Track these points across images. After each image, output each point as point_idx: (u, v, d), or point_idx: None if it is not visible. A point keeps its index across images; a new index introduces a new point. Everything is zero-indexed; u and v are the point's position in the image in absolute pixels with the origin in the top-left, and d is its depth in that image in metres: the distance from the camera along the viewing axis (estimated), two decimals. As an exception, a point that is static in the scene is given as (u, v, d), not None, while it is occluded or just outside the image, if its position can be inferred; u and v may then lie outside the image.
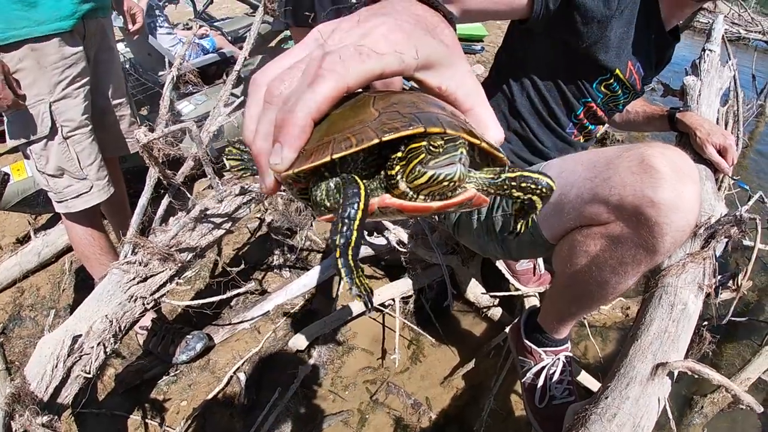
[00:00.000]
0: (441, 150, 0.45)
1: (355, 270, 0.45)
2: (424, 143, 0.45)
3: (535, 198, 0.54)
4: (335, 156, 0.44)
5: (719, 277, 1.71)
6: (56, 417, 1.39)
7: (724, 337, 2.66)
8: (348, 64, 0.45)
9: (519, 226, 0.58)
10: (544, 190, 0.53)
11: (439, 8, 0.56)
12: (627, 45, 1.58)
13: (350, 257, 0.44)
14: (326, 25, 0.51)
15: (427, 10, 0.55)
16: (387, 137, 0.44)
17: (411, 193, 0.48)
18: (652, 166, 1.17)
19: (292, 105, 0.46)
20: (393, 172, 0.48)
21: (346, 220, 0.43)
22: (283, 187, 0.53)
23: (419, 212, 0.50)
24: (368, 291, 0.46)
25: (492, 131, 0.54)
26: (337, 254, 0.44)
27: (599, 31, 1.49)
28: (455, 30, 0.56)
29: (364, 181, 0.47)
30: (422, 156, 0.45)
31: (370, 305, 0.47)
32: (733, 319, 2.48)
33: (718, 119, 2.28)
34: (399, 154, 0.47)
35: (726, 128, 2.25)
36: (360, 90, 0.49)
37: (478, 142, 0.48)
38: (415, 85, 0.54)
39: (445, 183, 0.47)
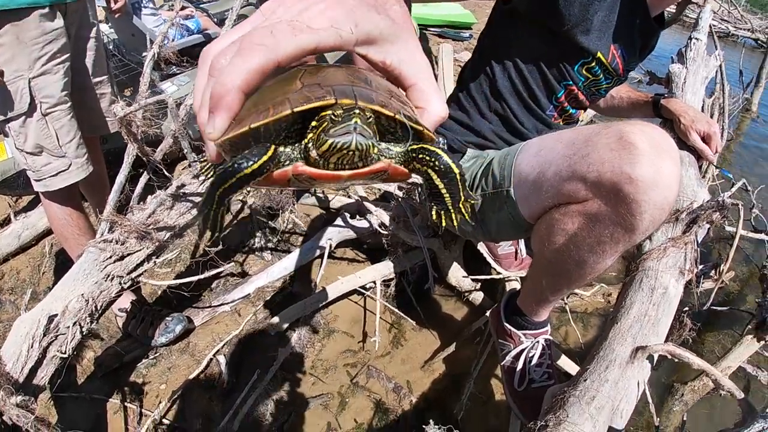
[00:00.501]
0: (339, 119, 0.46)
1: (217, 205, 0.49)
2: (329, 113, 0.46)
3: (431, 173, 0.53)
4: (253, 125, 0.46)
5: (701, 266, 1.72)
6: (32, 398, 1.36)
7: (705, 326, 2.69)
8: (279, 38, 0.46)
9: (436, 216, 0.57)
10: (441, 167, 0.52)
11: None
12: (609, 29, 1.57)
13: (218, 193, 0.48)
14: (273, 1, 0.51)
15: None
16: (298, 108, 0.46)
17: (321, 161, 0.49)
18: (631, 142, 1.16)
19: (223, 77, 0.46)
20: (306, 140, 0.49)
21: (235, 166, 0.47)
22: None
23: (329, 180, 0.51)
24: (219, 225, 0.51)
25: (433, 106, 0.53)
26: (210, 184, 0.48)
27: (581, 13, 1.49)
28: (409, 7, 0.57)
29: (287, 148, 0.50)
30: (325, 124, 0.47)
31: (213, 236, 0.51)
32: (714, 308, 2.52)
33: (703, 110, 2.28)
34: (314, 123, 0.48)
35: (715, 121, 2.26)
36: (297, 64, 0.50)
37: (388, 113, 0.48)
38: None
39: (344, 151, 0.47)
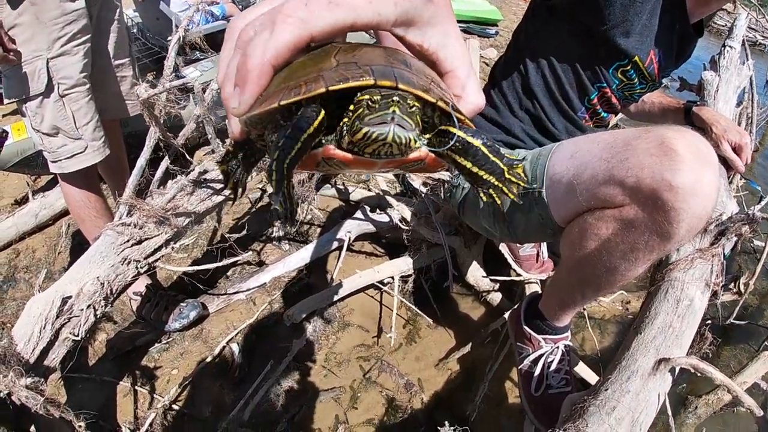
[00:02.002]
0: (377, 106, 0.43)
1: (287, 181, 0.45)
2: (367, 97, 0.43)
3: (454, 156, 0.49)
4: (282, 103, 0.43)
5: (722, 280, 1.69)
6: (42, 380, 1.36)
7: (722, 339, 2.65)
8: (314, 11, 0.44)
9: (487, 198, 0.53)
10: (459, 145, 0.48)
11: None
12: (650, 33, 1.55)
13: (285, 166, 0.44)
14: None
15: None
16: (333, 87, 0.43)
17: (355, 148, 0.46)
18: (673, 148, 1.12)
19: (251, 50, 0.45)
20: (342, 124, 0.46)
21: (295, 130, 0.43)
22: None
23: (363, 167, 0.49)
24: (293, 206, 0.47)
25: (470, 94, 0.52)
26: (275, 157, 0.44)
27: (621, 14, 1.46)
28: None
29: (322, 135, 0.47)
30: (361, 110, 0.44)
31: (290, 223, 0.47)
32: (732, 321, 2.48)
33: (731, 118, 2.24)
34: (351, 107, 0.45)
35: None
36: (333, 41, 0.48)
37: (430, 98, 0.45)
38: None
39: (380, 143, 0.44)
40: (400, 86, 0.43)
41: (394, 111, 0.43)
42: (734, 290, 1.91)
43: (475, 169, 0.50)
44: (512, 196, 0.52)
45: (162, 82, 1.53)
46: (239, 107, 0.47)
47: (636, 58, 1.55)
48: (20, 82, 1.80)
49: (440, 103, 0.46)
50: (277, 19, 0.44)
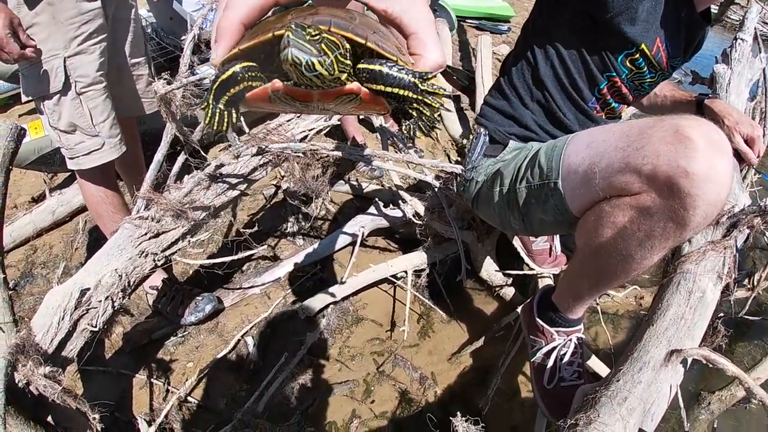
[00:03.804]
0: (287, 39, 0.49)
1: (213, 105, 0.56)
2: (281, 33, 0.51)
3: (382, 88, 0.55)
4: (241, 47, 0.54)
5: (735, 274, 1.69)
6: (60, 370, 1.38)
7: (735, 335, 2.64)
8: None
9: (419, 128, 0.58)
10: (380, 76, 0.54)
11: None
12: (655, 20, 1.56)
13: (211, 96, 0.56)
14: None
15: None
16: (277, 32, 0.51)
17: (298, 81, 0.53)
18: (688, 136, 1.14)
19: (228, 12, 0.54)
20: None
21: (217, 73, 0.55)
22: None
23: (301, 98, 0.55)
24: (221, 122, 0.57)
25: (430, 54, 0.56)
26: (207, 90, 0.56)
27: (625, 2, 1.48)
28: None
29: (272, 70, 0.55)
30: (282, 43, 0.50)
31: (217, 130, 0.58)
32: (746, 317, 2.47)
33: (744, 113, 2.24)
34: None
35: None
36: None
37: (358, 39, 0.53)
38: None
39: (290, 66, 0.50)
40: (296, 24, 0.49)
41: (288, 35, 0.49)
42: (748, 286, 1.91)
43: (389, 89, 0.54)
44: (436, 105, 0.56)
45: (178, 78, 1.55)
46: (215, 57, 0.55)
47: (642, 45, 1.57)
48: (38, 81, 1.83)
49: (368, 44, 0.53)
50: None
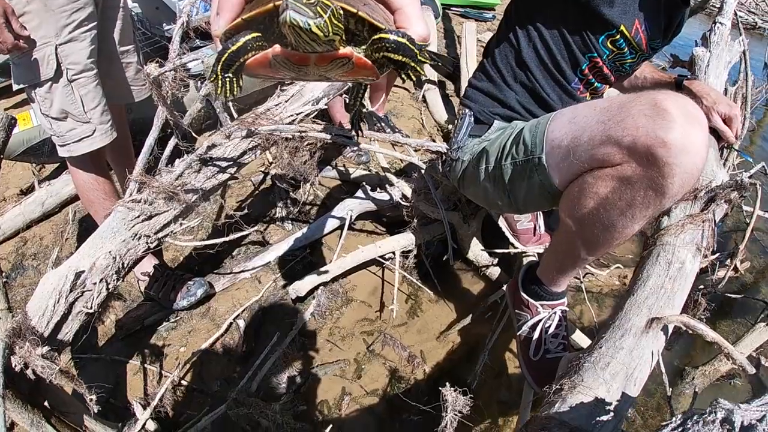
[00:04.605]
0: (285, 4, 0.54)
1: (222, 74, 0.62)
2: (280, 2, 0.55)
3: (389, 54, 0.61)
4: (244, 17, 0.58)
5: (718, 254, 1.74)
6: (56, 353, 1.41)
7: (720, 314, 2.70)
8: None
9: (405, 77, 0.65)
10: (392, 45, 0.60)
11: None
12: (634, 2, 1.61)
13: (219, 66, 0.61)
14: None
15: None
16: (277, 2, 0.55)
17: (295, 46, 0.59)
18: (665, 109, 1.20)
19: None
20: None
21: (228, 45, 0.60)
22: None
23: (300, 62, 0.60)
24: (230, 89, 0.63)
25: (415, 27, 0.62)
26: (214, 61, 0.61)
27: None
28: None
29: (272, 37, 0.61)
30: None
31: (225, 96, 0.63)
32: (729, 295, 2.54)
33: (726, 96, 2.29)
34: None
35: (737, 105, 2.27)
36: None
37: (350, 8, 0.58)
38: None
39: (288, 28, 0.55)
40: None
41: (288, 1, 0.53)
42: (730, 266, 1.97)
43: (399, 58, 0.60)
44: (421, 72, 0.63)
45: (168, 63, 1.58)
46: (217, 29, 0.60)
47: (622, 27, 1.61)
48: (29, 69, 1.84)
49: (360, 13, 0.58)
50: None
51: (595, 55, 1.70)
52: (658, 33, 1.76)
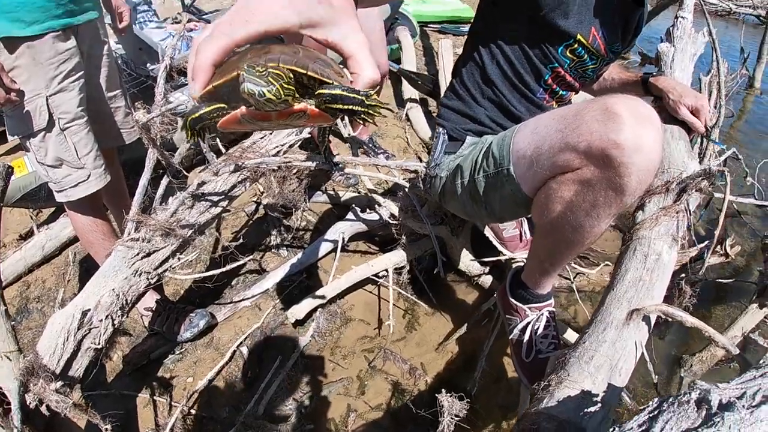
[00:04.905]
0: (242, 76, 0.62)
1: (191, 128, 0.72)
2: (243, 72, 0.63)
3: (331, 105, 0.69)
4: (214, 84, 0.66)
5: (706, 242, 1.81)
6: (68, 389, 1.47)
7: (715, 299, 2.76)
8: (235, 27, 0.64)
9: (362, 122, 0.76)
10: (329, 96, 0.68)
11: None
12: (588, 11, 1.67)
13: (188, 121, 0.70)
14: (240, 1, 0.67)
15: None
16: (240, 72, 0.62)
17: (255, 106, 0.67)
18: (615, 112, 1.27)
19: (200, 55, 0.65)
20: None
21: (194, 108, 0.70)
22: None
23: (262, 118, 0.69)
24: (195, 137, 0.74)
25: (365, 71, 0.68)
26: (183, 117, 0.72)
27: None
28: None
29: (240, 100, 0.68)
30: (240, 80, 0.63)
31: (194, 139, 0.75)
32: (721, 280, 2.59)
33: (701, 89, 2.36)
34: None
35: (710, 98, 2.33)
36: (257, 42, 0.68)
37: (299, 69, 0.66)
38: None
39: (246, 96, 0.63)
40: (248, 65, 0.62)
41: (242, 74, 0.62)
42: (720, 252, 2.03)
43: (345, 107, 0.68)
44: (378, 114, 0.70)
45: (155, 107, 1.65)
46: (194, 92, 0.67)
47: (579, 36, 1.68)
48: (22, 120, 1.92)
49: (309, 72, 0.67)
50: (213, 34, 0.65)
51: (557, 65, 1.77)
52: (616, 37, 1.82)
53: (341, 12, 0.69)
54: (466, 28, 5.74)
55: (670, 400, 0.85)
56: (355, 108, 0.68)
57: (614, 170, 1.29)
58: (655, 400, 0.88)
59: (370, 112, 0.69)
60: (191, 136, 0.73)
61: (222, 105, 0.68)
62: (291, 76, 0.66)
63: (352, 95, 0.67)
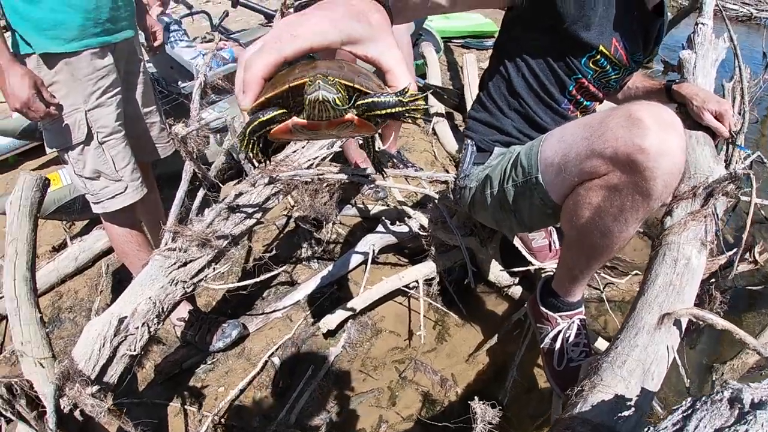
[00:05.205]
0: (311, 84, 0.65)
1: (248, 138, 0.74)
2: (307, 82, 0.66)
3: (375, 112, 0.71)
4: (267, 96, 0.68)
5: (735, 250, 1.81)
6: (103, 394, 1.50)
7: (745, 306, 2.74)
8: (283, 43, 0.67)
9: (412, 121, 0.74)
10: (371, 103, 0.71)
11: None
12: (609, 23, 1.69)
13: (248, 130, 0.72)
14: (286, 17, 0.73)
15: (363, 1, 0.75)
16: (293, 83, 0.67)
17: (312, 116, 0.69)
18: (639, 118, 1.30)
19: (251, 69, 0.68)
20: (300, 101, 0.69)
21: (258, 115, 0.71)
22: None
23: (313, 128, 0.71)
24: (257, 157, 0.78)
25: (402, 84, 0.71)
26: (244, 126, 0.73)
27: (577, 11, 1.62)
28: (389, 13, 0.78)
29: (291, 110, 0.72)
30: (305, 88, 0.66)
31: (255, 164, 0.86)
32: (750, 287, 2.56)
33: (724, 95, 2.36)
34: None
35: (734, 104, 2.33)
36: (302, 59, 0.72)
37: (346, 82, 0.68)
38: None
39: (316, 103, 0.66)
40: (319, 74, 0.66)
41: (318, 83, 0.65)
42: (749, 259, 2.02)
43: (384, 111, 0.71)
44: (420, 108, 0.71)
45: (191, 121, 1.70)
46: (245, 104, 0.69)
47: (601, 47, 1.70)
48: (61, 134, 1.98)
49: (354, 84, 0.69)
50: (263, 50, 0.68)
51: (580, 76, 1.80)
52: (637, 47, 1.84)
53: (379, 29, 0.73)
54: (489, 42, 5.78)
55: (703, 399, 0.87)
56: (395, 110, 0.70)
57: (640, 174, 1.31)
58: (689, 399, 0.90)
59: (411, 107, 0.71)
60: (247, 145, 0.76)
61: (284, 110, 0.71)
62: (344, 86, 0.70)
63: (387, 99, 0.70)
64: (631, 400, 1.30)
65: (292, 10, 0.79)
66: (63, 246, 2.97)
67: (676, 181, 1.34)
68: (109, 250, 2.90)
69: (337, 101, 0.67)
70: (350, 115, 0.71)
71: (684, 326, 1.45)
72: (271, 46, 0.68)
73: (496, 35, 1.96)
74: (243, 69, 0.70)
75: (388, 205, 3.08)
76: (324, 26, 0.69)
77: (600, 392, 1.32)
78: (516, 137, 1.91)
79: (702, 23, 2.54)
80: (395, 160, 3.26)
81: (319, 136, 0.77)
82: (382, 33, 0.73)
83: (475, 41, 5.78)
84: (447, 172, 3.61)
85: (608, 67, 1.79)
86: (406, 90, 0.71)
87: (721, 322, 1.38)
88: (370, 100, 0.70)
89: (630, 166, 1.32)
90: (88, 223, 3.15)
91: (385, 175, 1.27)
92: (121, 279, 2.78)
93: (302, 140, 0.99)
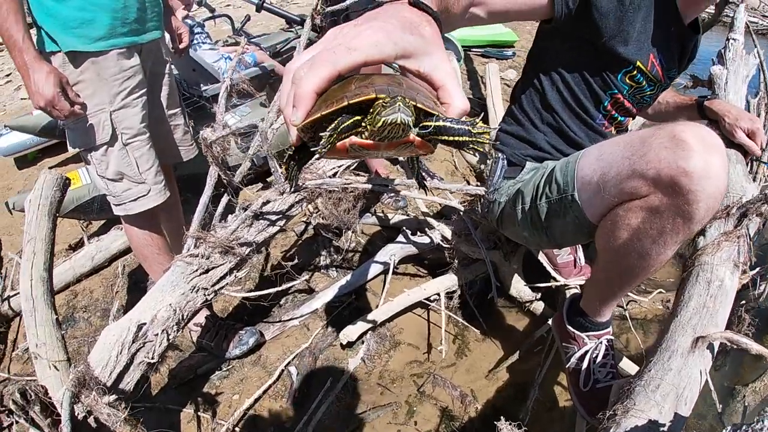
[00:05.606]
0: (388, 104, 0.63)
1: (289, 163, 0.77)
2: (381, 101, 0.63)
3: (437, 137, 0.69)
4: (323, 112, 0.65)
5: (759, 268, 1.77)
6: (119, 403, 1.48)
7: (765, 327, 2.69)
8: (338, 56, 0.64)
9: (472, 151, 0.72)
10: (434, 128, 0.68)
11: (426, 10, 0.73)
12: (647, 39, 1.67)
13: (288, 154, 0.75)
14: (337, 28, 0.70)
15: (414, 12, 0.73)
16: (352, 101, 0.64)
17: (374, 136, 0.67)
18: (683, 140, 1.27)
19: (302, 83, 0.65)
20: (364, 122, 0.66)
21: (345, 119, 0.67)
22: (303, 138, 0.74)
23: (373, 148, 0.68)
24: (295, 178, 0.80)
25: (456, 101, 0.69)
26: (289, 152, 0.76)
27: (616, 26, 1.59)
28: (440, 26, 0.74)
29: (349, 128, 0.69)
30: (378, 109, 0.63)
31: (291, 187, 0.83)
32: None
33: (749, 109, 2.33)
34: (371, 110, 0.65)
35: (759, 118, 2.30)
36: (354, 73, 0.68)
37: (413, 102, 0.65)
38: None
39: (392, 125, 0.64)
40: (390, 96, 0.63)
41: (399, 105, 0.62)
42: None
43: (452, 138, 0.68)
44: (486, 143, 0.70)
45: (216, 126, 1.68)
46: (296, 120, 0.66)
47: (638, 62, 1.68)
48: (85, 134, 1.96)
49: (417, 104, 0.65)
50: (315, 62, 0.65)
51: (616, 91, 1.77)
52: (673, 63, 1.82)
53: (431, 42, 0.70)
54: (509, 52, 5.78)
55: (744, 428, 0.86)
56: (462, 139, 0.68)
57: (683, 197, 1.27)
58: (729, 428, 0.89)
59: (479, 140, 0.69)
60: (287, 167, 0.76)
61: (358, 117, 0.67)
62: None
63: (458, 126, 0.67)
64: (664, 425, 1.28)
65: (321, 16, 0.77)
66: (80, 245, 2.97)
67: (718, 204, 1.31)
68: (125, 251, 2.89)
69: (411, 123, 0.65)
70: (413, 136, 0.68)
71: (716, 349, 1.42)
72: (324, 58, 0.65)
73: (513, 45, 1.94)
74: (291, 82, 0.68)
75: (408, 215, 3.06)
76: (380, 38, 0.66)
77: (633, 417, 1.30)
78: (548, 152, 1.88)
79: (733, 38, 2.52)
80: (423, 172, 3.24)
81: (376, 155, 0.75)
82: (434, 46, 0.71)
83: (495, 50, 5.77)
84: (468, 182, 3.59)
85: (644, 83, 1.76)
86: (477, 122, 0.68)
87: (756, 347, 1.36)
88: (441, 123, 0.68)
89: (673, 189, 1.28)
90: (105, 223, 3.15)
91: (428, 189, 1.24)
92: (137, 280, 2.77)
93: (357, 159, 0.96)
